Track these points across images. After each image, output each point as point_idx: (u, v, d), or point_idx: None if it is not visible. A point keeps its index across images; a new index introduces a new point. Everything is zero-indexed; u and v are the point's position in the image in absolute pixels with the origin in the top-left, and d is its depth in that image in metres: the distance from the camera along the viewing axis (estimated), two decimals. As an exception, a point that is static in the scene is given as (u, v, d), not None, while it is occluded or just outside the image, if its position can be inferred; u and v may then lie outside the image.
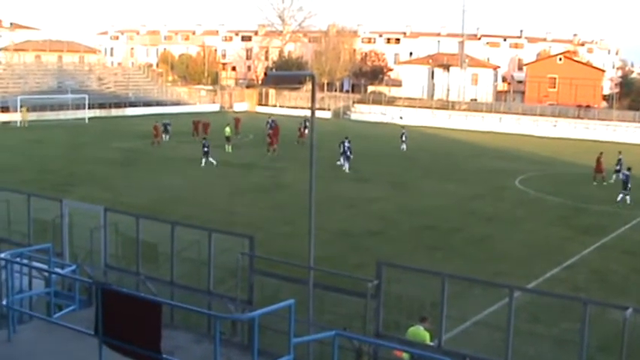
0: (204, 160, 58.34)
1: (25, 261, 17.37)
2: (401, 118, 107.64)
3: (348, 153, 58.29)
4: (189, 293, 18.98)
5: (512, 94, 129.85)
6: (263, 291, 18.79)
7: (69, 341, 12.73)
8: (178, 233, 19.44)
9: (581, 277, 30.59)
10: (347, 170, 57.29)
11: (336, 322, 17.83)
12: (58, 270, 16.81)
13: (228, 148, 67.58)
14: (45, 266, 16.77)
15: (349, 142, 59.28)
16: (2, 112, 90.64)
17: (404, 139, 74.57)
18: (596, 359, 19.03)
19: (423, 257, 31.83)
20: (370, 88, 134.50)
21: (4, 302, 14.21)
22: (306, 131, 76.56)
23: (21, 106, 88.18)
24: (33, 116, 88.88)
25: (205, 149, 58.65)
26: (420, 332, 17.15)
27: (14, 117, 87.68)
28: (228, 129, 70.13)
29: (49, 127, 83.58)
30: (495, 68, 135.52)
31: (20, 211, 23.20)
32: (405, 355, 16.62)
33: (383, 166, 60.60)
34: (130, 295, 11.91)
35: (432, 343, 16.71)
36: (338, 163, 58.76)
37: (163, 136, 74.32)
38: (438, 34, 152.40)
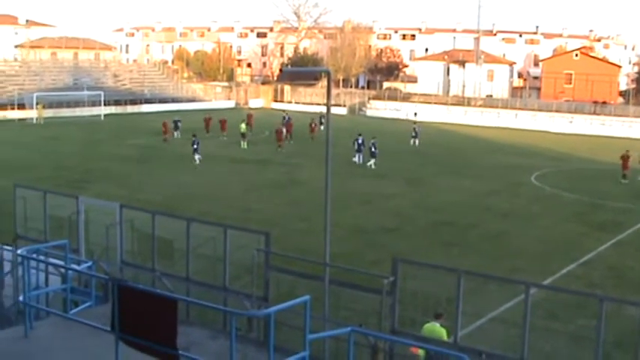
0: (197, 157, 58.26)
1: (42, 257, 17.44)
2: (415, 114, 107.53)
3: (373, 149, 58.58)
4: (204, 290, 19.02)
5: (528, 90, 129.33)
6: (279, 287, 18.81)
7: (85, 337, 12.78)
8: (194, 230, 19.47)
9: (597, 274, 30.49)
10: (373, 166, 57.57)
11: (352, 319, 17.85)
12: (75, 266, 16.88)
13: (244, 144, 67.74)
14: (61, 263, 16.84)
15: (374, 139, 59.84)
16: (18, 109, 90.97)
17: (414, 134, 75.17)
18: (612, 356, 18.97)
19: (438, 253, 31.80)
20: (386, 85, 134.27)
21: (20, 298, 14.27)
22: (322, 127, 76.74)
23: (37, 103, 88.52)
24: (49, 113, 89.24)
25: (195, 146, 58.59)
26: (436, 328, 17.14)
27: (30, 114, 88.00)
28: (243, 125, 70.19)
29: (65, 124, 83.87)
30: (511, 64, 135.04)
31: (36, 207, 23.29)
32: (420, 352, 16.61)
33: (398, 162, 60.54)
34: (146, 291, 11.93)
35: (448, 340, 16.72)
36: (354, 159, 58.75)
37: (174, 133, 74.34)
38: (454, 30, 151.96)
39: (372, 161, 58.23)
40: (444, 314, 17.48)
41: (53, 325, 14.01)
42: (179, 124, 75.96)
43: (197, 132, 74.24)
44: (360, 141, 59.37)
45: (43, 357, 12.34)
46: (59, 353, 12.48)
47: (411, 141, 74.48)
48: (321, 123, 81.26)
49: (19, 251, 15.79)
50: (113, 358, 11.43)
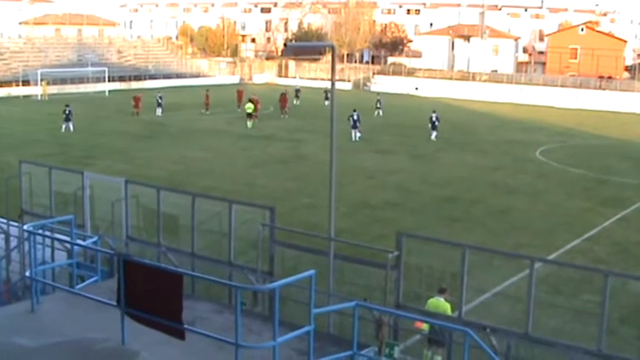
0: (64, 126, 59.64)
1: (48, 233, 17.48)
2: (416, 89, 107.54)
3: (437, 122, 60.23)
4: (210, 264, 19.06)
5: (533, 65, 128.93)
6: (284, 262, 18.85)
7: (91, 312, 12.82)
8: (199, 205, 19.50)
9: (602, 249, 30.51)
10: (434, 139, 59.54)
11: (357, 293, 17.89)
12: (80, 242, 16.91)
13: (250, 124, 65.67)
14: (67, 238, 16.87)
15: (436, 112, 61.00)
16: (23, 85, 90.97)
17: (379, 105, 76.51)
18: (617, 331, 19.03)
19: (443, 229, 31.83)
20: (390, 60, 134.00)
21: (27, 273, 14.32)
22: (326, 102, 77.10)
23: (41, 80, 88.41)
24: (53, 89, 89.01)
25: (66, 114, 59.87)
26: (441, 303, 17.22)
27: (35, 90, 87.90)
28: (250, 104, 67.42)
29: (70, 100, 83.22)
30: (516, 39, 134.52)
31: (42, 183, 23.30)
32: (425, 326, 16.68)
33: (402, 137, 60.47)
34: (152, 266, 11.96)
35: (452, 315, 16.78)
36: (358, 135, 58.23)
37: (157, 110, 72.85)
38: (459, 5, 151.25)
39: (434, 134, 59.83)
40: (447, 289, 17.56)
41: (59, 300, 14.05)
42: (161, 100, 73.91)
43: (202, 108, 74.50)
44: (355, 117, 58.76)
45: (50, 331, 12.39)
46: (65, 327, 12.52)
47: (375, 112, 75.21)
48: (326, 98, 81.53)
49: (25, 227, 15.81)
50: (119, 332, 11.48)
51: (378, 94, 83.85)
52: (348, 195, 36.39)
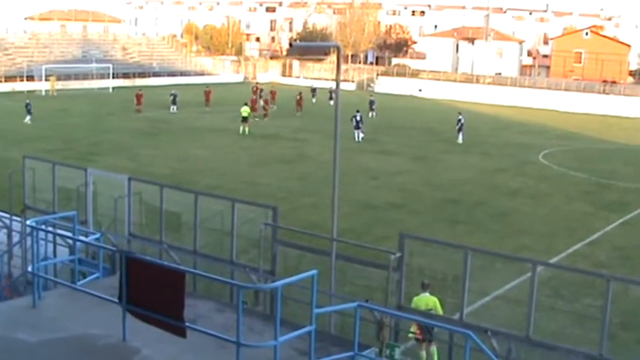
0: (27, 118, 62.18)
1: (50, 228, 17.48)
2: (420, 90, 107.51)
3: (463, 126, 61.04)
4: (212, 263, 19.06)
5: (537, 68, 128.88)
6: (286, 262, 18.85)
7: (93, 308, 12.83)
8: (202, 203, 19.49)
9: (603, 254, 30.50)
10: (460, 141, 59.94)
11: (358, 294, 17.90)
12: (83, 238, 16.90)
13: (244, 129, 60.27)
14: (69, 234, 16.87)
15: (461, 115, 61.87)
16: (27, 80, 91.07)
17: (373, 106, 76.00)
18: (618, 336, 19.01)
19: (445, 230, 31.85)
20: (394, 61, 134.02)
21: (29, 269, 14.32)
22: (331, 102, 76.92)
23: (49, 75, 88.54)
24: (58, 85, 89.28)
25: (28, 108, 62.61)
26: (429, 299, 17.35)
27: (39, 86, 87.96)
28: (246, 108, 62.32)
29: (74, 96, 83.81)
30: (520, 42, 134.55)
31: (45, 179, 23.30)
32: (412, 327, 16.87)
33: (406, 139, 60.47)
34: (154, 263, 11.96)
35: (443, 310, 16.92)
36: (361, 136, 58.06)
37: (172, 107, 73.24)
38: (463, 7, 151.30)
39: (461, 137, 60.64)
40: (430, 284, 17.67)
41: (61, 296, 14.06)
42: (177, 98, 74.35)
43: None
44: (358, 118, 58.54)
45: (51, 327, 12.40)
46: (66, 323, 12.53)
47: (369, 113, 73.87)
48: (330, 98, 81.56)
49: (27, 222, 15.81)
50: (120, 328, 11.50)
51: (371, 94, 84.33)
52: (351, 195, 36.37)
